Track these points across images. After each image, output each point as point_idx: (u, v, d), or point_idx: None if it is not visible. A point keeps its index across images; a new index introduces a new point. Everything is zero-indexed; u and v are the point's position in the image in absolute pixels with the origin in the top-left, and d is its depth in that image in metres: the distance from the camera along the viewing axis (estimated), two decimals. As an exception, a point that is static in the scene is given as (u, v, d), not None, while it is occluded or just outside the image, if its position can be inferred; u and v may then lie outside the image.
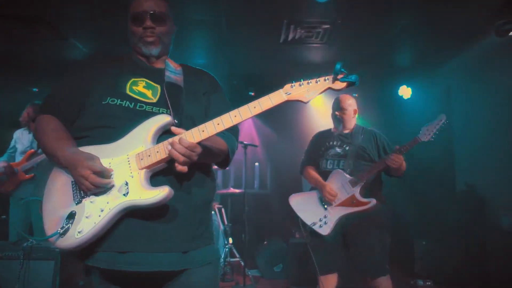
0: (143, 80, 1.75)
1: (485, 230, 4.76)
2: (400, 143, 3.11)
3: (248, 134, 7.70)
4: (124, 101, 1.65)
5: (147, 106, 1.67)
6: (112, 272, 1.48)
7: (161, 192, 1.44)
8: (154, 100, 1.69)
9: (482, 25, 4.48)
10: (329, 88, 1.56)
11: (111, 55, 1.91)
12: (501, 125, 4.96)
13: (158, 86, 1.74)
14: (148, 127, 1.58)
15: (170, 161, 1.51)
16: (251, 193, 6.99)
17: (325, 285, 3.24)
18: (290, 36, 5.02)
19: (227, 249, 5.37)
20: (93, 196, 1.50)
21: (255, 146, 6.51)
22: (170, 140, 1.50)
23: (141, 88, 1.72)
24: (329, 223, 3.18)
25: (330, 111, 3.60)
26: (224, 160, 1.81)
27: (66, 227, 1.47)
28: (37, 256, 3.23)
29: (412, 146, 3.07)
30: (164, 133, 1.59)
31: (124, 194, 1.47)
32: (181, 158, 1.45)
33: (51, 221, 1.53)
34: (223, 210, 5.94)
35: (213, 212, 5.44)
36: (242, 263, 5.14)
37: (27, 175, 4.12)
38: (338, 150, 3.38)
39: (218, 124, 1.52)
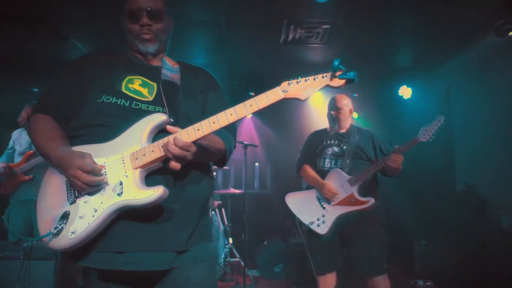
0: (139, 78, 1.72)
1: (485, 230, 4.76)
2: (401, 143, 3.13)
3: (248, 134, 7.70)
4: (120, 100, 1.63)
5: (143, 105, 1.64)
6: (110, 272, 1.47)
7: (156, 192, 1.42)
8: (150, 99, 1.67)
9: (482, 25, 4.48)
10: (327, 85, 1.53)
11: (107, 52, 1.88)
12: (501, 125, 4.96)
13: (155, 84, 1.72)
14: (143, 126, 1.56)
15: (165, 160, 1.49)
16: (251, 193, 6.99)
17: (324, 284, 3.24)
18: (290, 36, 5.02)
19: (227, 249, 5.37)
20: (87, 196, 1.48)
21: (255, 146, 6.52)
22: (165, 139, 1.48)
23: (137, 86, 1.70)
24: (327, 222, 3.18)
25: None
26: (222, 158, 1.79)
27: (60, 227, 1.45)
28: (37, 256, 3.23)
29: (411, 146, 3.09)
30: (160, 132, 1.58)
31: (118, 194, 1.45)
32: (175, 158, 1.44)
33: (45, 221, 1.52)
34: (223, 210, 5.94)
35: (213, 212, 5.44)
36: (242, 263, 5.14)
37: (26, 177, 4.11)
38: (335, 149, 3.39)
39: (213, 122, 1.50)
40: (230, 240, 5.56)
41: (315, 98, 6.79)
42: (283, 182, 6.80)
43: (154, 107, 1.65)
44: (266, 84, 1.50)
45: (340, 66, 1.49)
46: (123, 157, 1.52)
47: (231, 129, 1.82)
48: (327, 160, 3.38)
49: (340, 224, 3.19)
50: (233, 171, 7.50)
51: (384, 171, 3.26)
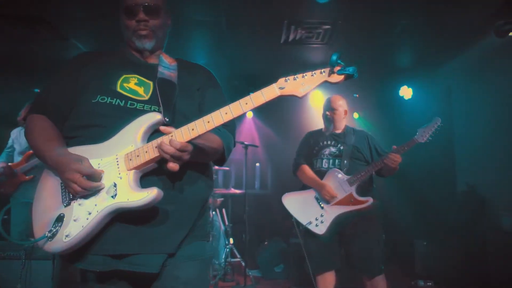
0: (135, 77, 1.69)
1: (485, 230, 4.75)
2: (401, 143, 3.18)
3: (249, 134, 7.71)
4: (115, 99, 1.60)
5: (139, 104, 1.62)
6: (107, 272, 1.46)
7: (149, 194, 1.40)
8: (146, 98, 1.65)
9: (482, 25, 4.48)
10: (326, 81, 1.48)
11: (103, 50, 1.85)
12: (502, 125, 4.96)
13: (151, 83, 1.69)
14: (137, 126, 1.53)
15: (160, 161, 1.47)
16: (252, 193, 7.00)
17: (323, 284, 3.25)
18: (291, 37, 5.02)
19: (228, 250, 5.37)
20: (81, 199, 1.46)
21: (256, 146, 6.53)
22: (158, 140, 1.45)
23: (133, 85, 1.67)
24: (326, 222, 3.18)
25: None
26: (221, 157, 1.76)
27: (54, 230, 1.44)
28: (38, 256, 3.23)
29: (410, 146, 3.14)
30: (155, 132, 1.55)
31: (112, 196, 1.43)
32: (171, 159, 1.41)
33: (40, 224, 1.50)
34: (224, 210, 5.94)
35: (214, 212, 5.44)
36: (243, 264, 5.14)
37: (26, 177, 4.10)
38: (332, 149, 3.40)
39: (208, 122, 1.46)
40: (231, 240, 5.56)
41: (315, 98, 6.80)
42: (284, 182, 6.78)
43: (150, 106, 1.62)
44: (266, 85, 1.48)
45: (339, 61, 1.43)
46: (117, 158, 1.50)
47: (230, 127, 1.80)
48: (324, 160, 3.39)
49: (339, 224, 3.20)
50: (233, 171, 7.50)
51: (380, 171, 3.29)
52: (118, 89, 1.64)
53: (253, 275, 5.19)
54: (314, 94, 6.80)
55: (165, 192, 1.45)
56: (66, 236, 1.41)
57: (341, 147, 3.37)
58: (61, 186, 1.51)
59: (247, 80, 6.42)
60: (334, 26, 4.71)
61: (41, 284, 3.15)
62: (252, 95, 1.47)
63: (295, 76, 1.46)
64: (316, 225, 3.20)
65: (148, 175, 1.52)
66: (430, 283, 4.79)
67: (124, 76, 1.68)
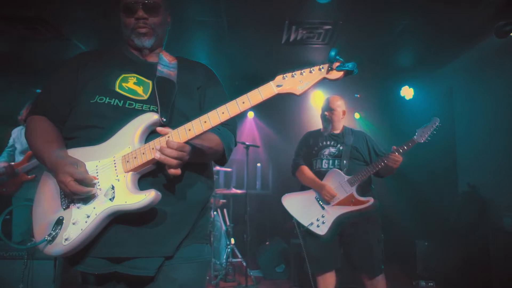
0: (134, 76, 1.67)
1: (487, 231, 4.74)
2: (402, 143, 3.18)
3: (250, 134, 7.72)
4: (113, 99, 1.58)
5: (137, 104, 1.59)
6: (106, 275, 1.46)
7: (147, 197, 1.37)
8: (145, 97, 1.62)
9: (483, 26, 4.48)
10: (324, 78, 1.43)
11: (102, 49, 1.84)
12: (503, 126, 4.95)
13: (150, 82, 1.67)
14: (134, 127, 1.51)
15: (158, 162, 1.44)
16: (253, 193, 7.00)
17: (324, 284, 3.25)
18: (292, 37, 5.03)
19: (229, 250, 5.37)
20: (80, 202, 1.45)
21: (257, 146, 6.53)
22: (156, 144, 1.44)
23: (132, 85, 1.64)
24: (327, 223, 3.19)
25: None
26: (222, 157, 1.73)
27: (54, 233, 1.43)
28: (40, 256, 3.24)
29: (410, 147, 3.15)
30: (153, 132, 1.53)
31: (110, 199, 1.42)
32: (175, 162, 1.39)
33: (40, 227, 1.49)
34: (225, 210, 5.95)
35: (215, 212, 5.45)
36: (244, 264, 5.14)
37: (28, 176, 4.11)
38: (332, 149, 3.41)
39: (205, 122, 1.43)
40: (232, 241, 5.56)
41: (316, 98, 6.80)
42: (285, 182, 6.78)
43: (149, 106, 1.60)
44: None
45: (337, 57, 1.39)
46: (114, 160, 1.48)
47: (230, 126, 1.77)
48: (324, 160, 3.40)
49: (340, 224, 3.20)
50: (235, 172, 7.50)
51: (379, 171, 3.30)
52: (117, 89, 1.62)
53: (254, 275, 5.20)
54: (315, 94, 6.81)
55: (163, 193, 1.44)
56: (66, 239, 1.40)
57: (341, 147, 3.38)
58: (60, 189, 1.50)
59: (248, 80, 6.42)
60: (335, 26, 4.71)
61: (43, 284, 3.16)
62: (249, 93, 1.43)
63: (293, 73, 1.43)
64: (318, 226, 3.20)
65: (147, 176, 1.51)
66: (431, 284, 4.78)
67: (123, 75, 1.66)
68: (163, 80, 1.67)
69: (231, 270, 5.38)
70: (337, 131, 3.52)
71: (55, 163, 1.46)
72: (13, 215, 4.17)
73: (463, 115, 5.95)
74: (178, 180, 1.54)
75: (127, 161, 1.46)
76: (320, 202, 3.28)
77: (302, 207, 3.33)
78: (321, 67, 1.43)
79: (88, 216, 1.41)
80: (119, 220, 1.44)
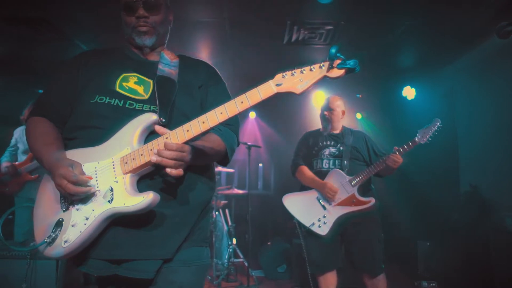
0: (134, 76, 1.65)
1: (489, 231, 4.73)
2: (404, 143, 3.19)
3: (252, 135, 7.73)
4: (113, 99, 1.57)
5: (137, 104, 1.58)
6: (106, 277, 1.46)
7: (145, 199, 1.36)
8: (146, 97, 1.60)
9: (485, 27, 4.47)
10: (325, 76, 1.37)
11: (103, 49, 1.82)
12: (505, 126, 4.95)
13: (151, 81, 1.65)
14: (133, 128, 1.49)
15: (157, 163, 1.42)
16: (254, 193, 7.02)
17: (325, 284, 3.26)
18: (294, 37, 5.03)
19: (231, 250, 5.38)
20: (79, 203, 1.44)
21: (259, 147, 6.54)
22: (155, 146, 1.42)
23: (132, 84, 1.63)
24: (328, 223, 3.19)
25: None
26: (224, 158, 1.71)
27: (54, 235, 1.43)
28: (43, 256, 3.24)
29: (411, 147, 3.17)
30: (153, 133, 1.52)
31: (108, 201, 1.41)
32: (172, 163, 1.36)
33: (40, 229, 1.49)
34: (227, 210, 5.96)
35: (217, 213, 5.46)
36: (246, 264, 5.15)
37: (31, 176, 4.12)
38: (332, 149, 3.41)
39: (203, 122, 1.40)
40: (234, 241, 5.56)
41: (318, 98, 6.80)
42: (287, 182, 6.78)
43: (149, 106, 1.58)
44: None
45: (338, 55, 1.34)
46: (113, 162, 1.47)
47: (233, 126, 1.75)
48: (325, 161, 3.40)
49: (341, 224, 3.21)
50: (237, 172, 7.51)
51: (379, 171, 3.30)
52: (117, 89, 1.60)
53: (256, 275, 5.20)
54: (317, 94, 6.81)
55: (163, 195, 1.43)
56: (65, 242, 1.41)
57: (341, 148, 3.38)
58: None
59: (249, 81, 6.41)
60: (337, 26, 4.72)
61: (45, 284, 3.17)
62: (248, 93, 1.39)
63: (293, 71, 1.38)
64: (319, 226, 3.20)
65: (146, 178, 1.49)
66: (433, 284, 4.77)
67: (124, 75, 1.65)
68: (163, 79, 1.65)
69: (233, 270, 5.39)
70: (337, 131, 3.52)
71: (53, 165, 1.45)
72: (16, 215, 4.18)
73: (465, 115, 5.94)
74: (178, 181, 1.52)
75: (126, 163, 1.44)
76: (321, 202, 3.28)
77: (303, 208, 3.34)
78: (321, 64, 1.37)
79: (87, 218, 1.41)
80: (118, 222, 1.44)
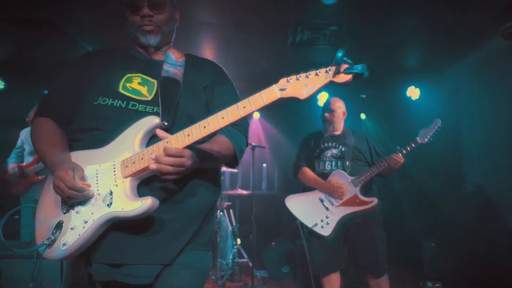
0: (138, 76, 1.62)
1: (494, 231, 4.73)
2: (408, 144, 3.19)
3: (256, 135, 7.73)
4: (116, 101, 1.54)
5: (140, 105, 1.54)
6: (107, 282, 1.46)
7: (144, 204, 1.34)
8: (149, 98, 1.57)
9: (489, 27, 4.46)
10: (331, 81, 1.30)
11: (107, 48, 1.80)
12: (509, 126, 4.93)
13: (155, 82, 1.61)
14: (135, 131, 1.47)
15: None
16: (258, 194, 7.00)
17: (329, 284, 3.26)
18: (298, 38, 5.03)
19: (235, 250, 5.38)
20: (79, 206, 1.43)
21: (263, 147, 6.55)
22: (154, 146, 1.40)
23: (136, 85, 1.59)
24: (331, 224, 3.19)
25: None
26: (233, 160, 1.67)
27: (53, 237, 1.43)
28: (48, 256, 3.27)
29: (413, 147, 3.16)
30: (155, 136, 1.48)
31: (108, 205, 1.39)
32: (171, 169, 1.33)
33: (41, 231, 1.49)
34: (231, 211, 5.96)
35: (221, 213, 5.47)
36: (250, 264, 5.15)
37: (38, 177, 4.15)
38: (334, 151, 3.41)
39: (204, 127, 1.36)
40: (238, 241, 5.57)
41: (323, 99, 6.78)
42: (291, 183, 6.77)
43: (152, 107, 1.55)
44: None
45: (345, 59, 1.27)
46: (114, 165, 1.45)
47: (241, 127, 1.71)
48: (327, 162, 3.40)
49: (344, 224, 3.21)
50: (241, 172, 7.52)
51: (381, 172, 3.30)
52: (120, 90, 1.57)
53: (260, 275, 5.20)
54: (321, 95, 6.79)
55: (164, 200, 1.42)
56: (64, 244, 1.40)
57: (343, 149, 3.38)
58: None
59: (254, 82, 6.42)
60: (341, 27, 4.72)
61: (52, 283, 3.20)
62: (251, 97, 1.34)
63: (298, 76, 1.31)
64: (322, 227, 3.20)
65: (148, 181, 1.47)
66: (438, 285, 4.76)
67: (128, 75, 1.62)
68: (167, 80, 1.62)
69: (237, 270, 5.39)
70: (338, 132, 3.52)
71: (55, 168, 1.45)
72: (22, 216, 4.21)
73: (469, 115, 5.93)
74: (180, 186, 1.50)
75: (126, 166, 1.42)
76: (324, 203, 3.29)
77: (306, 208, 3.34)
78: (328, 69, 1.30)
79: (86, 222, 1.40)
80: (118, 226, 1.42)
